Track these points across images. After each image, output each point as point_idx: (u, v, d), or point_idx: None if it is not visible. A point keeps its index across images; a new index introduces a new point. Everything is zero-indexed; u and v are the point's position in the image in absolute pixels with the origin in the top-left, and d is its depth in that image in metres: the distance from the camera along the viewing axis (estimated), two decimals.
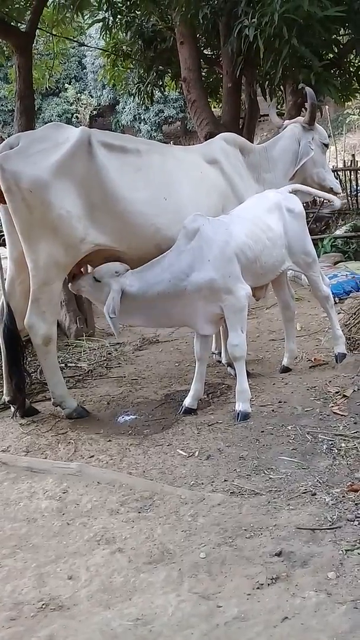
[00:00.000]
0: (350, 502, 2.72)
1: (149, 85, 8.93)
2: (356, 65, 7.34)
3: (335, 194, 5.13)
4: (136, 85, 9.14)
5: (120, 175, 3.88)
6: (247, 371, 4.48)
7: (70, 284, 4.01)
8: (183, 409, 3.97)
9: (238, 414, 3.74)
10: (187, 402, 3.98)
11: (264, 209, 4.14)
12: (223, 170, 4.44)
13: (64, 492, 3.04)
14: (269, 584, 2.23)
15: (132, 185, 3.90)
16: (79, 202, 3.78)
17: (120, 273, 3.78)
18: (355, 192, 10.58)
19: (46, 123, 5.01)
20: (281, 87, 7.45)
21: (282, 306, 4.58)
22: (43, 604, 2.23)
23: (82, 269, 4.12)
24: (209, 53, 8.61)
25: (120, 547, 2.56)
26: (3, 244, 4.13)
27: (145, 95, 9.08)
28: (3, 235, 4.14)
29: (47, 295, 3.86)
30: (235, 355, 3.81)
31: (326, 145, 4.90)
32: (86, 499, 2.97)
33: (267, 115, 5.98)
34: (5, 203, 3.78)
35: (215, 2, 6.76)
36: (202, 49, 8.26)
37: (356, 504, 2.70)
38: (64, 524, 2.79)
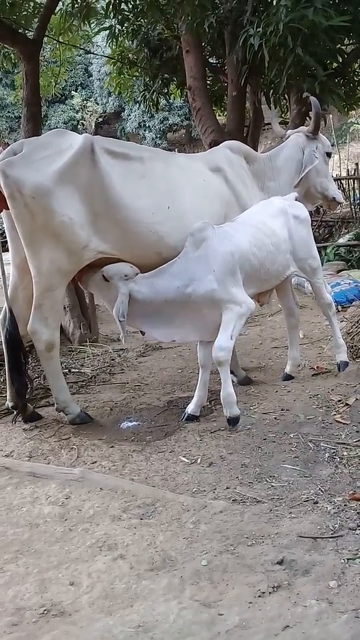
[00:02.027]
0: (352, 511, 2.72)
1: (155, 93, 8.97)
2: None
3: (338, 203, 5.15)
4: (142, 93, 9.19)
5: (123, 182, 3.88)
6: (249, 378, 4.51)
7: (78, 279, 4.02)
8: (186, 416, 3.97)
9: (229, 419, 3.72)
10: (190, 409, 3.99)
11: (269, 214, 4.15)
12: (227, 178, 4.44)
13: (66, 498, 3.05)
14: (270, 592, 2.23)
15: (135, 193, 3.90)
16: (82, 209, 3.79)
17: (130, 277, 3.79)
18: (358, 201, 10.59)
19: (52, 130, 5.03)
20: (286, 95, 7.48)
21: (287, 313, 4.59)
22: (45, 610, 2.24)
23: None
24: (214, 61, 8.65)
25: (122, 553, 2.56)
26: (6, 250, 4.14)
27: (151, 103, 9.12)
28: (6, 240, 4.16)
29: (49, 301, 3.87)
30: (220, 358, 3.71)
31: (329, 155, 4.91)
32: (88, 505, 2.98)
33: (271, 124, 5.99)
34: (8, 209, 3.80)
35: (221, 11, 6.80)
36: (207, 57, 8.29)
37: (358, 513, 2.70)
38: (66, 529, 2.79)
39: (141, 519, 2.83)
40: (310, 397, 4.09)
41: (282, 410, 3.94)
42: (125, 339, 3.85)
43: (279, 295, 4.53)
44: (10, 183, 3.69)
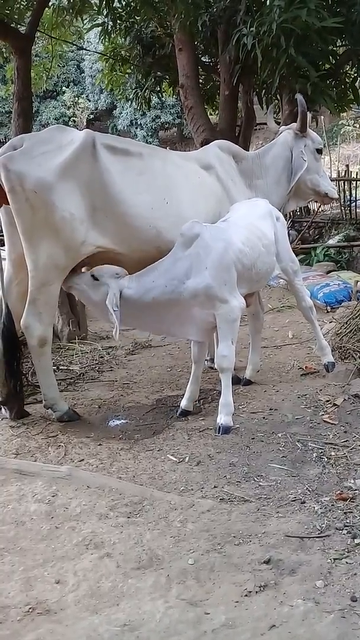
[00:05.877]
0: (339, 511, 2.73)
1: (147, 91, 8.97)
2: (352, 76, 7.39)
3: (332, 199, 5.13)
4: (134, 91, 9.17)
5: (124, 178, 3.90)
6: (238, 378, 4.50)
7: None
8: (179, 411, 3.98)
9: (219, 427, 3.68)
10: (184, 404, 4.00)
11: (258, 215, 4.16)
12: (218, 176, 4.47)
13: (53, 496, 3.03)
14: (257, 592, 2.23)
15: (134, 188, 3.92)
16: (82, 204, 3.79)
17: (120, 276, 3.78)
18: (348, 202, 10.63)
19: (43, 126, 5.02)
20: (278, 96, 7.50)
21: (252, 317, 4.54)
22: (30, 608, 2.22)
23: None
24: (207, 60, 8.66)
25: (109, 552, 2.55)
26: (2, 244, 4.11)
27: (143, 101, 9.12)
28: (2, 235, 4.13)
29: (45, 296, 3.86)
30: (223, 366, 3.75)
31: (319, 151, 4.89)
32: (75, 502, 2.96)
33: (263, 123, 6.00)
34: (8, 204, 3.78)
35: (214, 10, 6.81)
36: (200, 56, 8.30)
37: (345, 513, 2.71)
38: (52, 527, 2.77)
39: (128, 517, 2.82)
40: (299, 397, 4.09)
41: (270, 409, 3.95)
42: (118, 332, 3.74)
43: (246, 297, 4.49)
44: (11, 177, 3.67)
